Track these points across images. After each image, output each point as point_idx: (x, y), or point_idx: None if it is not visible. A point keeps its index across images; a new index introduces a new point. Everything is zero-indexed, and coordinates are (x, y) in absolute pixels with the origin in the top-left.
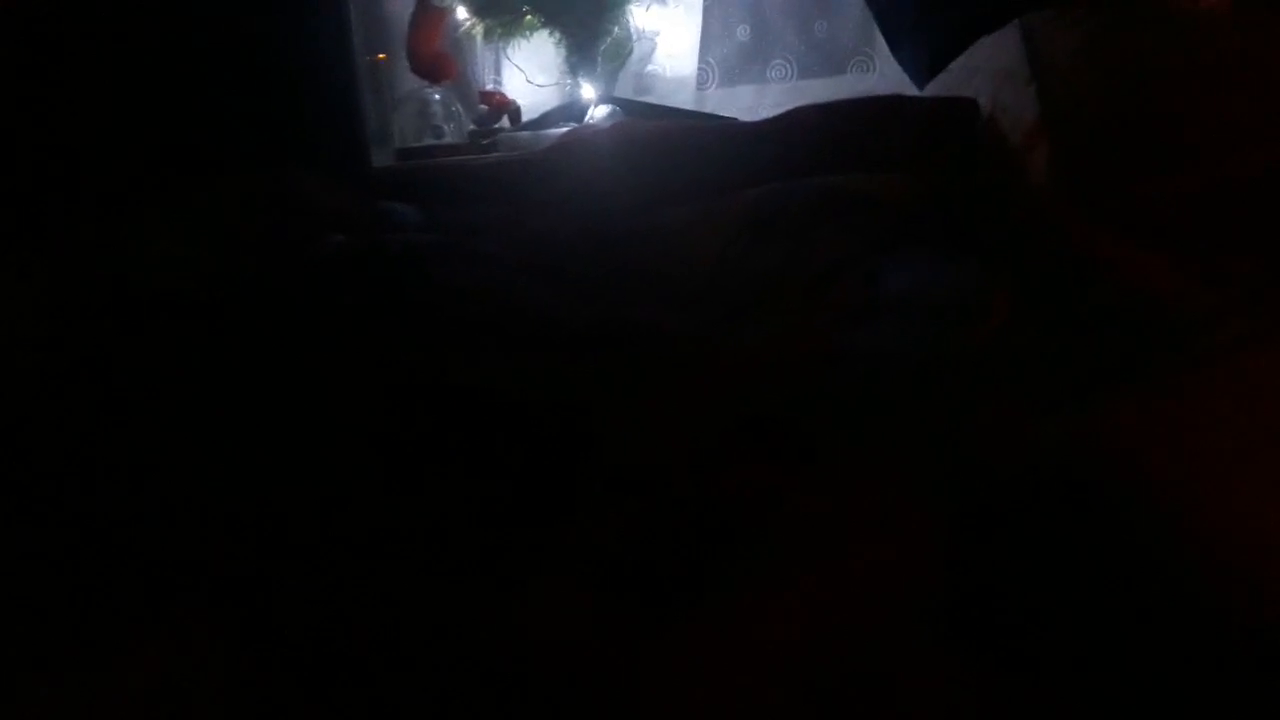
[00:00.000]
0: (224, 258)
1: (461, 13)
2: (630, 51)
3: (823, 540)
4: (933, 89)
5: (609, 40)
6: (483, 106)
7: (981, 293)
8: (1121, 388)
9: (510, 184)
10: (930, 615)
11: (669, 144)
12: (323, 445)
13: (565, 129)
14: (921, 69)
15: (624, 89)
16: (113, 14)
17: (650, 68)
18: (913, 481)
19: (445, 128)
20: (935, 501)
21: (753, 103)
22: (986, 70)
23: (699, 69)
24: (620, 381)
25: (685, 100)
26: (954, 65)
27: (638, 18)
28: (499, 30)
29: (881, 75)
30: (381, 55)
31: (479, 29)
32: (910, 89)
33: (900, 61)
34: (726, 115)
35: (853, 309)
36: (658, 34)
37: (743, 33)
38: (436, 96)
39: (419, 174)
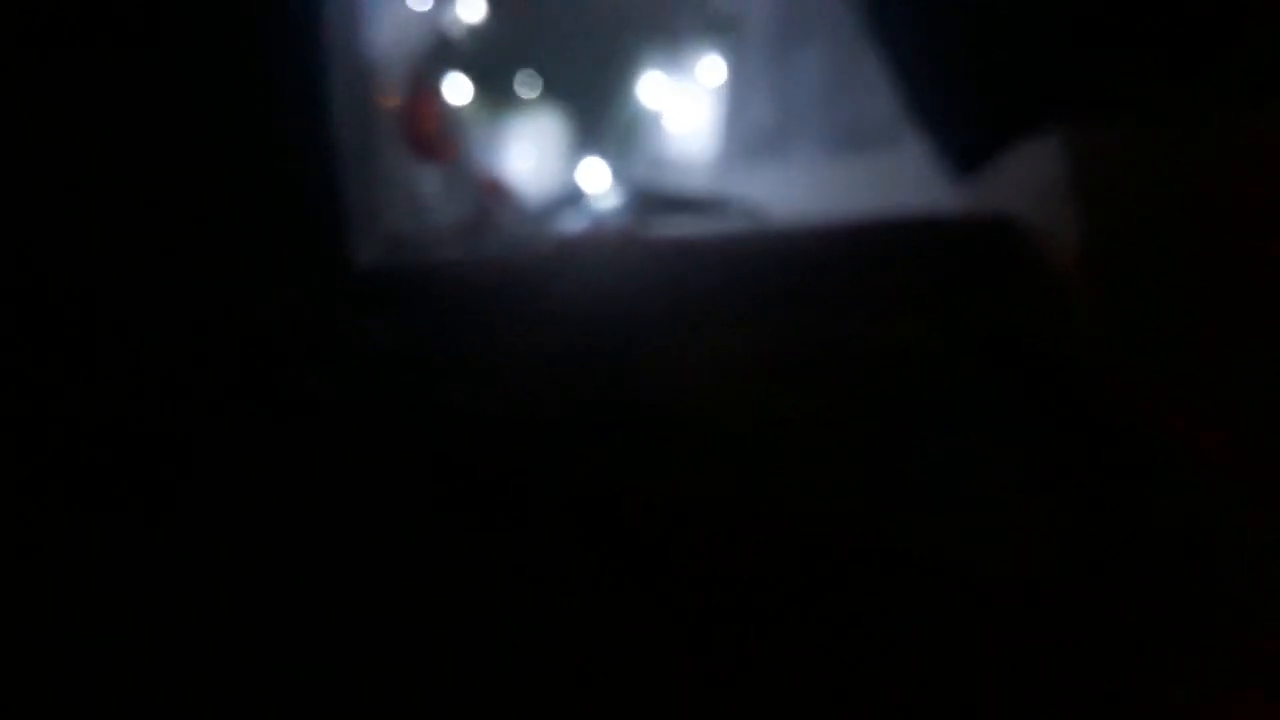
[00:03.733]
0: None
1: (461, 91)
2: (642, 127)
3: None
4: (964, 199)
5: (619, 117)
6: (480, 190)
7: (1023, 517)
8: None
9: (505, 293)
10: None
11: (679, 262)
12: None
13: (569, 217)
14: (953, 163)
15: (635, 169)
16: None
17: (664, 146)
18: None
19: (439, 212)
20: None
21: (775, 182)
22: (1022, 184)
23: (718, 147)
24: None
25: (702, 181)
26: (988, 181)
27: (651, 92)
28: (500, 109)
29: (912, 156)
30: (395, 99)
31: (478, 107)
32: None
33: (935, 153)
34: (747, 198)
35: (899, 508)
36: (673, 109)
37: (765, 109)
38: (431, 178)
39: (404, 275)
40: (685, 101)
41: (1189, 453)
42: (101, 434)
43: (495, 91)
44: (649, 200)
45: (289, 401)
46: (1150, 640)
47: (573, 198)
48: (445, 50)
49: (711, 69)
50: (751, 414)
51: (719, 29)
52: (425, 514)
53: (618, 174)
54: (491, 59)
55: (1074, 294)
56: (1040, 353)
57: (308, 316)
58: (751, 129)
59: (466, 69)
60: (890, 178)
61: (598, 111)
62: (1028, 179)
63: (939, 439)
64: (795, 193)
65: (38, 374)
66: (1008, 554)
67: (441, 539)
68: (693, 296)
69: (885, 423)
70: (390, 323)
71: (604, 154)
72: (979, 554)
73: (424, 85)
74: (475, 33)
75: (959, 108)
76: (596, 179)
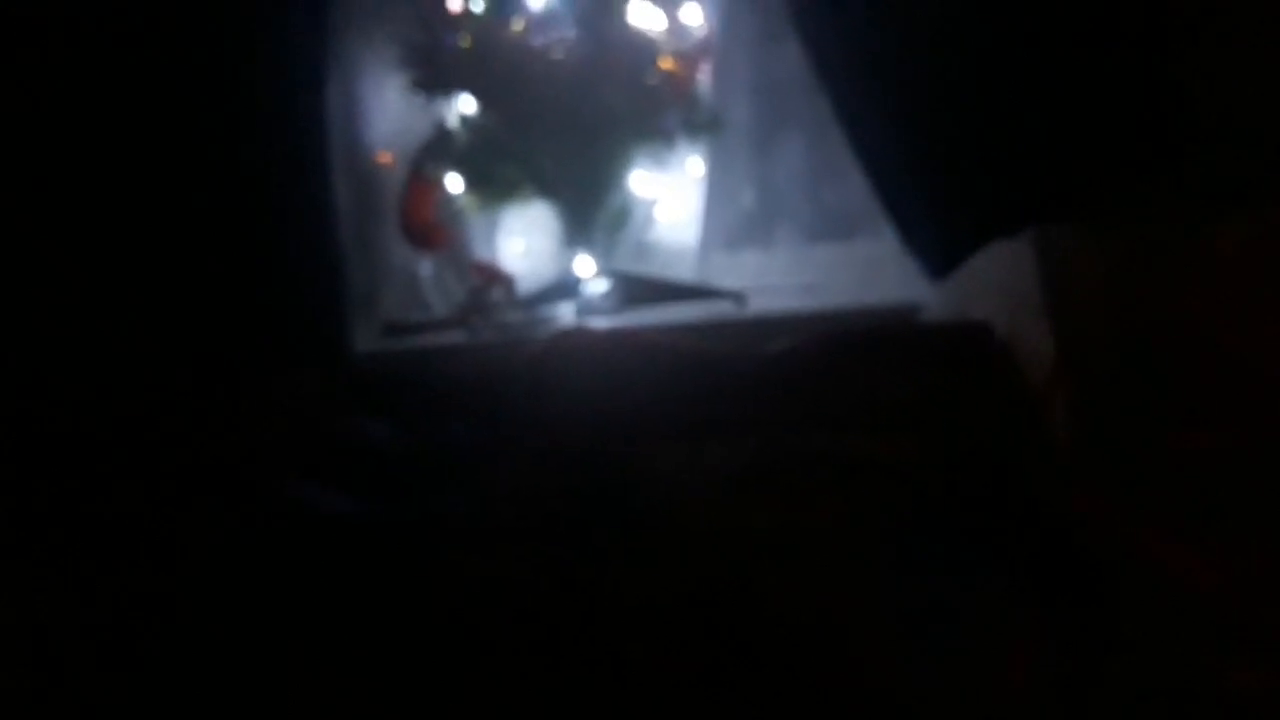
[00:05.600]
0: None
1: (456, 182)
2: (630, 219)
3: None
4: (944, 298)
5: (608, 209)
6: (475, 278)
7: (1000, 641)
8: None
9: (498, 391)
10: None
11: (669, 367)
12: None
13: (561, 305)
14: (933, 263)
15: (623, 257)
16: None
17: (650, 235)
18: None
19: (435, 301)
20: None
21: (758, 269)
22: (1000, 289)
23: (701, 235)
24: None
25: (687, 269)
26: (965, 276)
27: (637, 184)
28: (493, 200)
29: (892, 243)
30: (386, 157)
31: (472, 199)
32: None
33: (910, 252)
34: (730, 286)
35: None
36: (658, 200)
37: (747, 198)
38: (427, 267)
39: (402, 365)
40: (671, 194)
41: (1163, 570)
42: (94, 543)
43: (489, 183)
44: (637, 288)
45: (293, 514)
46: None
47: (564, 286)
48: (441, 143)
49: (697, 164)
50: (736, 523)
51: (705, 129)
52: (425, 619)
53: (607, 263)
54: (486, 152)
55: (1046, 406)
56: (1013, 468)
57: (309, 422)
58: (734, 219)
59: (461, 162)
60: (870, 265)
61: (588, 203)
62: (1007, 284)
63: (913, 551)
64: (779, 278)
65: (34, 472)
66: (979, 664)
67: (438, 646)
68: (680, 402)
69: (860, 534)
70: (390, 425)
71: (594, 244)
72: (951, 662)
73: (420, 177)
74: (470, 126)
75: (932, 211)
76: (587, 268)
